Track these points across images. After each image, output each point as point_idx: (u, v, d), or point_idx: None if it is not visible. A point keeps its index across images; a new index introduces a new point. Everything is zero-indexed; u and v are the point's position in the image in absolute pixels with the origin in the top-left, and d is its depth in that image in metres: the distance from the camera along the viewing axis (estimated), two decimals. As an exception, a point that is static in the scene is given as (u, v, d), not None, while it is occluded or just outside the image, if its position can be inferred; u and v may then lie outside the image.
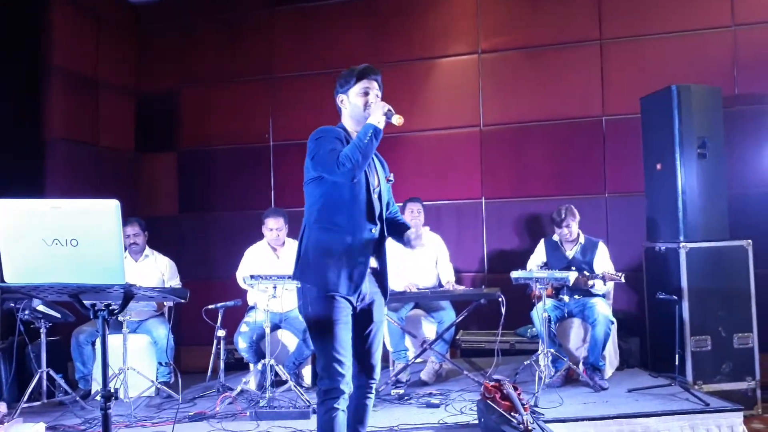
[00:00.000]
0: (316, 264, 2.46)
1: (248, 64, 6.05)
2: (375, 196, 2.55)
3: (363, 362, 2.55)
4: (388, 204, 2.73)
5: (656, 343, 4.65)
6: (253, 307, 4.52)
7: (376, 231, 2.52)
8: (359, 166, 2.37)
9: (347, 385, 2.41)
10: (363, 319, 2.55)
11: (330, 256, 2.45)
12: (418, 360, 4.51)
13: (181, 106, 6.21)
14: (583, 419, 3.52)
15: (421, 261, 4.82)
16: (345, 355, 2.41)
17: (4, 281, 1.96)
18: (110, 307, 2.13)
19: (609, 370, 4.42)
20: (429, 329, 4.70)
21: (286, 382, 4.19)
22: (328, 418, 2.39)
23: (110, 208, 1.91)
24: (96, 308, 2.13)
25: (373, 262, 2.55)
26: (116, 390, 3.99)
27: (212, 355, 4.32)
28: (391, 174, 2.73)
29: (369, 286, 2.54)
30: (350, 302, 2.46)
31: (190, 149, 6.14)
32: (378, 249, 2.57)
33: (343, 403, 2.41)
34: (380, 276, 2.60)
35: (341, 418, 2.40)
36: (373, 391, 2.64)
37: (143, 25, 6.27)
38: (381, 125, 2.41)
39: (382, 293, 2.61)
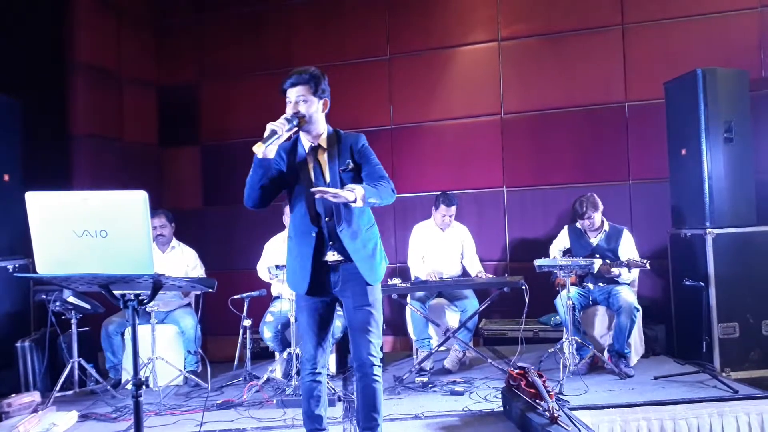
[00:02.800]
0: (287, 268, 2.81)
1: (267, 58, 6.08)
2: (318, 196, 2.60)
3: (353, 345, 2.73)
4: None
5: (682, 331, 4.60)
6: (278, 297, 4.57)
7: (322, 229, 2.64)
8: (249, 197, 2.61)
9: (313, 361, 2.75)
10: (344, 307, 2.74)
11: (291, 261, 2.75)
12: (442, 348, 4.52)
13: (202, 100, 6.27)
14: (609, 407, 3.50)
15: (446, 250, 4.83)
16: (311, 337, 2.74)
17: (36, 272, 2.00)
18: (139, 297, 2.17)
19: (634, 358, 4.38)
20: (452, 318, 4.71)
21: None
22: (305, 383, 2.78)
23: (138, 199, 1.93)
24: (126, 298, 2.17)
25: (334, 256, 2.65)
26: (146, 379, 4.08)
27: (238, 345, 4.39)
28: (349, 162, 2.68)
29: (340, 276, 2.68)
30: (317, 295, 2.70)
31: (212, 143, 6.21)
32: (336, 243, 2.64)
33: (314, 375, 2.75)
34: (350, 265, 2.66)
35: (311, 386, 2.76)
36: (376, 373, 2.70)
37: (162, 19, 6.33)
38: (257, 152, 2.47)
39: (362, 280, 2.66)
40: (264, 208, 2.67)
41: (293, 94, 2.60)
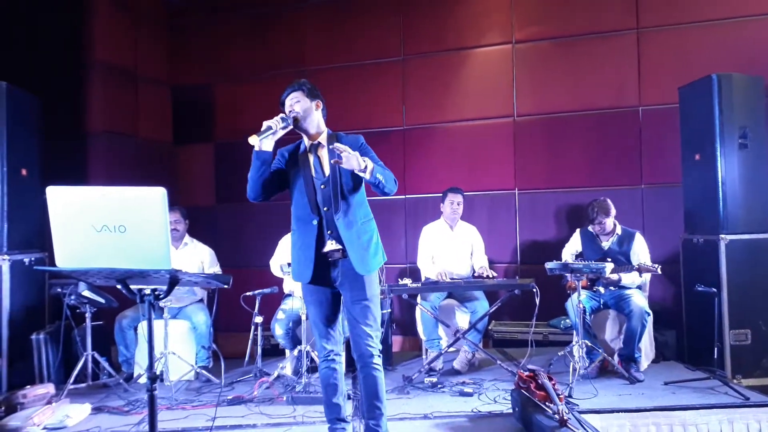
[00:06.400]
0: (292, 259, 2.95)
1: (279, 58, 6.12)
2: (320, 187, 2.82)
3: (353, 337, 2.85)
4: (360, 182, 2.88)
5: (693, 336, 4.58)
6: (289, 295, 4.60)
7: (322, 218, 2.80)
8: (250, 189, 2.81)
9: (325, 350, 2.91)
10: (343, 297, 2.88)
11: (295, 251, 2.91)
12: (451, 349, 4.53)
13: (216, 98, 6.33)
14: (618, 411, 3.50)
15: (456, 251, 4.84)
16: (319, 328, 2.91)
17: (54, 266, 2.03)
18: (156, 292, 2.20)
19: (645, 363, 4.37)
20: (462, 319, 4.72)
21: (321, 368, 4.28)
22: (321, 371, 2.94)
23: (157, 195, 1.97)
24: (142, 293, 2.20)
25: (333, 245, 2.81)
26: (161, 373, 4.12)
27: (250, 341, 4.42)
28: (343, 153, 2.71)
29: (339, 270, 2.83)
30: (322, 285, 2.86)
31: (226, 141, 6.26)
32: (334, 232, 2.81)
33: (327, 363, 2.91)
34: (348, 260, 2.80)
35: (326, 373, 2.92)
36: (376, 362, 2.82)
37: (177, 20, 6.40)
38: (251, 142, 2.70)
39: (357, 270, 2.79)
40: (265, 201, 2.86)
41: (289, 99, 2.89)
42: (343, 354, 3.02)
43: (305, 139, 2.92)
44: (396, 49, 5.89)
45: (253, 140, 2.67)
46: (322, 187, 2.83)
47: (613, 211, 4.42)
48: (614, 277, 4.27)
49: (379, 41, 5.91)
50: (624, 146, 5.32)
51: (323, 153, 2.88)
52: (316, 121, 2.89)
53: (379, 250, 2.91)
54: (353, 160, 2.61)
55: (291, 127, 2.80)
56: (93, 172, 5.31)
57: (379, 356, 2.84)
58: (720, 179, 4.30)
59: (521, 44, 5.59)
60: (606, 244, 4.47)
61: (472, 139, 5.69)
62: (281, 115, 2.79)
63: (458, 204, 4.84)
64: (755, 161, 4.35)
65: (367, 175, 2.65)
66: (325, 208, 2.81)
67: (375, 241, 2.89)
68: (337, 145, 2.67)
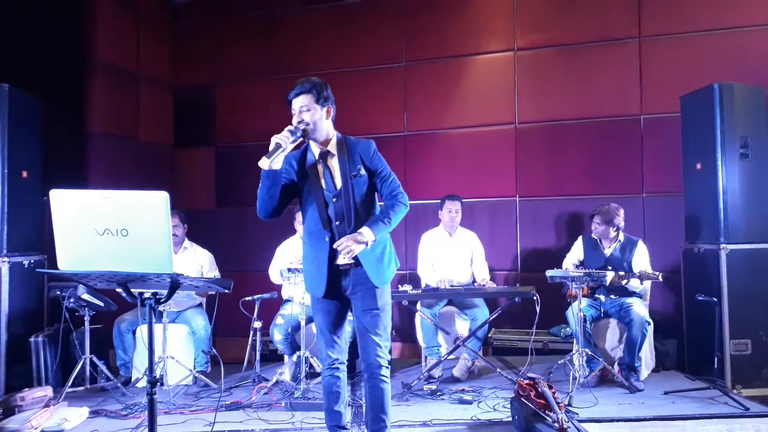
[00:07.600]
0: (304, 272, 2.89)
1: (282, 61, 6.12)
2: (332, 201, 2.71)
3: (362, 346, 2.79)
4: (376, 193, 2.85)
5: (694, 346, 4.57)
6: (288, 300, 4.59)
7: (334, 233, 2.70)
8: (260, 207, 2.69)
9: (330, 358, 2.84)
10: (353, 309, 2.82)
11: (308, 265, 2.83)
12: (451, 357, 4.52)
13: (217, 101, 6.33)
14: (618, 420, 3.50)
15: (456, 258, 4.83)
16: (325, 336, 2.83)
17: (56, 268, 2.02)
18: (156, 296, 2.19)
19: (645, 372, 4.36)
20: (462, 326, 4.71)
21: (320, 374, 4.25)
22: (324, 379, 2.88)
23: (160, 199, 1.97)
24: (143, 297, 2.19)
25: (345, 259, 2.68)
26: (161, 377, 4.10)
27: (248, 347, 4.40)
28: (359, 168, 2.73)
29: (350, 280, 2.75)
30: (331, 298, 2.77)
31: (226, 144, 6.26)
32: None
33: (332, 371, 2.84)
34: (361, 270, 2.73)
35: (329, 381, 2.86)
36: (384, 374, 2.76)
37: (180, 21, 6.40)
38: (262, 166, 2.54)
39: (370, 283, 2.73)
40: (277, 217, 2.74)
41: (297, 104, 2.67)
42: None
43: (313, 145, 2.74)
44: (398, 54, 5.90)
45: (263, 164, 2.49)
46: (334, 200, 2.71)
47: (617, 221, 4.42)
48: (624, 281, 4.25)
49: (381, 47, 5.92)
50: (625, 154, 5.32)
51: (334, 163, 2.72)
52: (326, 129, 2.70)
53: (393, 259, 2.83)
54: (356, 250, 2.57)
55: (301, 139, 2.61)
56: (93, 175, 5.30)
57: (387, 367, 2.76)
58: (721, 189, 4.30)
59: (523, 51, 5.60)
60: (608, 251, 4.47)
61: (474, 145, 5.69)
62: (289, 127, 2.58)
63: (456, 211, 4.83)
64: (756, 171, 4.35)
65: (369, 244, 2.62)
66: (337, 222, 2.70)
67: (389, 250, 2.80)
68: (335, 246, 2.62)
